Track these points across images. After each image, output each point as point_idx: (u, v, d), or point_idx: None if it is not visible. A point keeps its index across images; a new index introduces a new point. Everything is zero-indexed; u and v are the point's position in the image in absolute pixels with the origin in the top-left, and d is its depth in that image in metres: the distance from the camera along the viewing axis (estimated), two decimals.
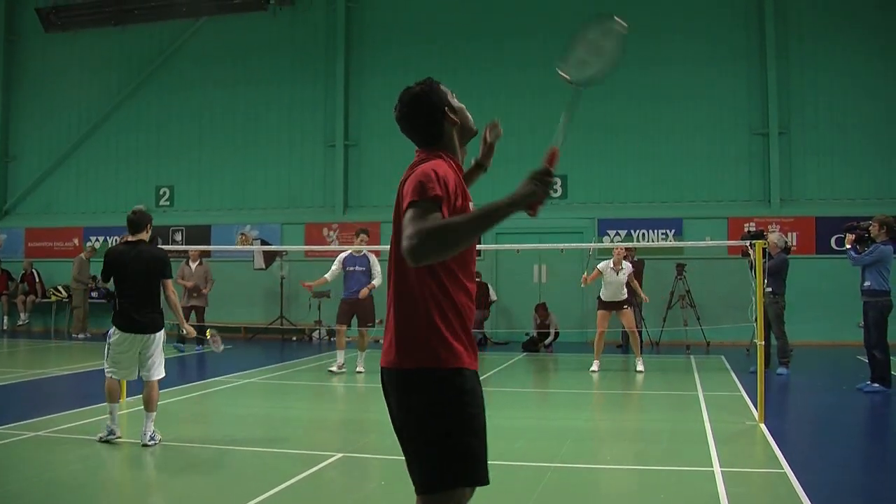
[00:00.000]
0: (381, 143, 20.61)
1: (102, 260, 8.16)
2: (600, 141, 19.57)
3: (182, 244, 21.39)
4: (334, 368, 13.51)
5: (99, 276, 16.82)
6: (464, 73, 20.25)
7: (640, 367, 13.73)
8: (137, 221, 8.14)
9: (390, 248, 3.31)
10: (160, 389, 8.24)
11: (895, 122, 18.54)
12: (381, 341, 3.38)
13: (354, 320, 13.63)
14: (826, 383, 12.66)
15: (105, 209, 22.76)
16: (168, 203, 22.54)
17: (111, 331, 8.00)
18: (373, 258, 13.71)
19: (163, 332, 8.14)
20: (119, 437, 7.85)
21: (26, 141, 23.89)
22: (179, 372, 14.19)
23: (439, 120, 3.51)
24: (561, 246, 15.25)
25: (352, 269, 13.61)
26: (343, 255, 13.79)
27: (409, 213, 3.00)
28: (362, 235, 13.76)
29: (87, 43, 23.40)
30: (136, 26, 22.84)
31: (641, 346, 14.41)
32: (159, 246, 9.19)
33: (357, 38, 21.46)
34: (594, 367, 13.75)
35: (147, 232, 8.22)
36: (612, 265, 13.78)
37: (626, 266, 13.98)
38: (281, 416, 10.20)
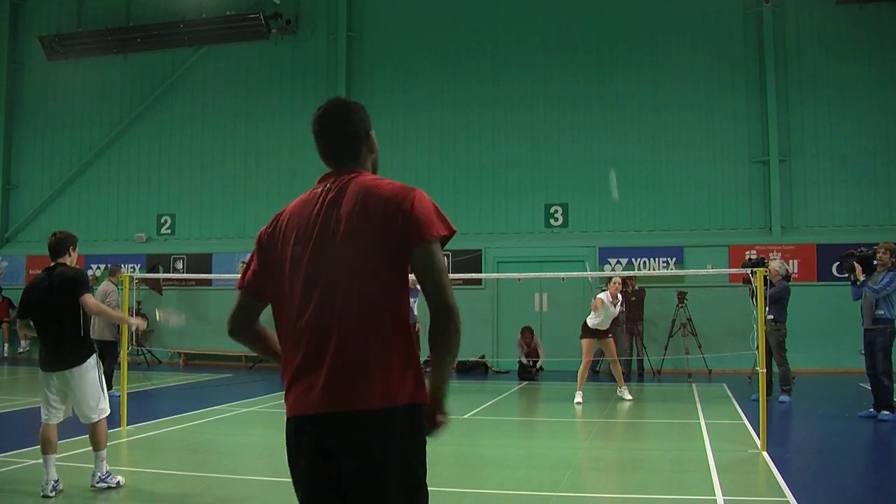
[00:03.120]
0: (381, 171, 20.49)
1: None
2: (601, 170, 19.62)
3: (183, 272, 21.42)
4: None
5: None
6: (464, 102, 20.43)
7: (626, 396, 13.59)
8: (56, 244, 7.32)
9: (350, 264, 2.91)
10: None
11: (895, 150, 18.62)
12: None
13: None
14: (828, 411, 12.60)
15: (106, 237, 22.79)
16: (169, 231, 22.57)
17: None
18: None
19: (91, 363, 7.19)
20: (61, 489, 7.00)
21: (28, 169, 23.95)
22: (179, 401, 14.16)
23: (364, 139, 3.31)
24: (562, 275, 15.21)
25: None
26: None
27: (439, 255, 2.86)
28: None
29: (90, 71, 23.52)
30: (139, 54, 22.96)
31: (643, 375, 14.37)
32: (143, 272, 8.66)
33: (358, 66, 21.57)
34: (578, 399, 13.41)
35: (69, 255, 7.33)
36: (610, 298, 13.70)
37: (619, 298, 13.99)
38: (281, 444, 10.12)
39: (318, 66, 21.79)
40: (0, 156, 23.87)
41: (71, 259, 7.37)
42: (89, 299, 7.15)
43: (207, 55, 22.66)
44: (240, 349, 20.64)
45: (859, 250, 12.03)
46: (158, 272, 20.85)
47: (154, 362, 20.97)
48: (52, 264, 7.31)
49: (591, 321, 13.65)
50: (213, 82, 22.59)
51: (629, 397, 13.61)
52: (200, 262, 21.67)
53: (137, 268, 21.42)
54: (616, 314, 13.86)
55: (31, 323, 7.28)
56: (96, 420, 7.19)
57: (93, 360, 7.24)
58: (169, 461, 8.33)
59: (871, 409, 11.44)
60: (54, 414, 7.16)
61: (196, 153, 22.51)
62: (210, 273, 20.82)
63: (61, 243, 7.34)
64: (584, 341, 13.73)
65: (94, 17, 23.07)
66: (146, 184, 22.88)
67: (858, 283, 11.75)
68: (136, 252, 22.13)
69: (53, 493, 6.86)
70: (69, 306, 7.10)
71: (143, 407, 12.51)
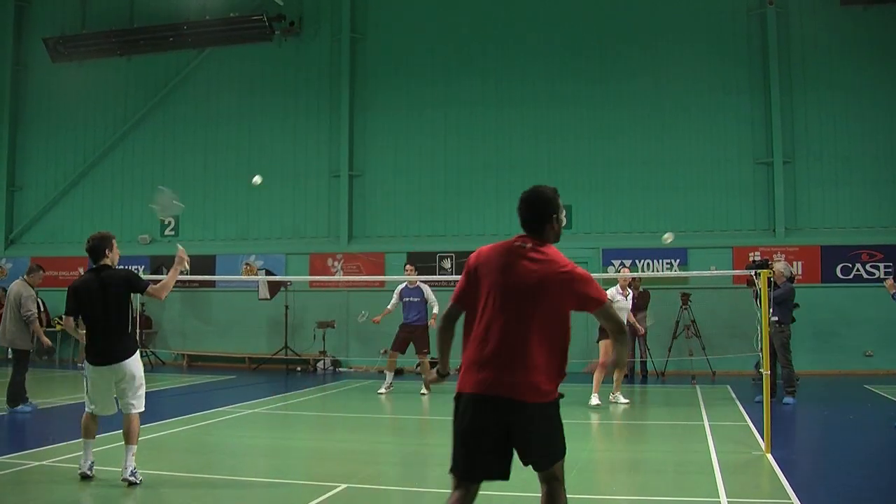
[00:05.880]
0: (385, 173, 20.70)
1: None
2: (605, 171, 19.66)
3: (187, 274, 21.39)
4: (383, 390, 14.67)
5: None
6: (467, 103, 20.44)
7: (621, 400, 13.29)
8: (95, 248, 7.74)
9: (530, 304, 4.68)
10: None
11: None
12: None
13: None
14: (832, 413, 12.58)
15: None
16: (173, 233, 22.56)
17: (84, 364, 7.61)
18: (426, 288, 14.94)
19: (137, 358, 7.62)
20: (92, 472, 7.45)
21: (32, 170, 23.98)
22: (182, 402, 14.16)
23: (549, 220, 5.19)
24: None
25: (408, 299, 14.96)
26: (399, 287, 15.21)
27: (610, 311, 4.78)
28: (409, 267, 15.45)
29: (94, 73, 23.54)
30: (142, 56, 22.99)
31: (647, 376, 14.31)
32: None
33: (361, 68, 21.56)
34: (594, 401, 12.92)
35: (108, 256, 7.76)
36: (619, 290, 13.59)
37: (629, 291, 13.92)
38: (285, 446, 10.16)
39: (321, 67, 21.80)
40: (5, 157, 23.91)
41: (111, 258, 7.81)
42: (151, 288, 7.63)
43: (211, 57, 22.67)
44: (243, 351, 20.75)
45: None
46: (162, 274, 20.86)
47: (157, 364, 20.99)
48: (95, 266, 7.74)
49: None
50: (217, 84, 22.60)
51: (624, 401, 13.32)
52: (204, 264, 21.64)
53: (141, 269, 21.43)
54: (628, 307, 13.76)
55: (80, 320, 7.74)
56: (135, 412, 7.56)
57: (138, 353, 7.68)
58: (172, 463, 8.32)
59: None
60: (101, 408, 7.62)
61: (200, 155, 22.51)
62: (214, 275, 20.84)
63: (102, 244, 7.80)
64: (603, 343, 13.22)
65: (98, 19, 23.10)
66: (150, 185, 22.77)
67: None
68: (140, 254, 22.14)
69: (91, 472, 7.37)
70: (122, 304, 7.56)
71: (147, 408, 12.50)
